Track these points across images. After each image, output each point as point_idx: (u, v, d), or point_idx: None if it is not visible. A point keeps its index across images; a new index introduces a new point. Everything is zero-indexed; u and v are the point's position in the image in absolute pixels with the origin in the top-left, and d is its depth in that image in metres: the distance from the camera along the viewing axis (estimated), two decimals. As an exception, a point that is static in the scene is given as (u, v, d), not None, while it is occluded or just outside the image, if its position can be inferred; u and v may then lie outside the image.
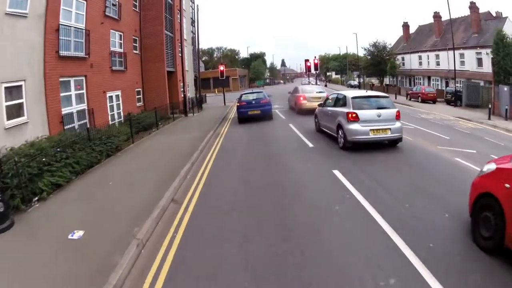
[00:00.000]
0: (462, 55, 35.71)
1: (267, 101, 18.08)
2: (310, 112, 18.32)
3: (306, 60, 35.51)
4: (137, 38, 21.91)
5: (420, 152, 9.94)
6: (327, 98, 12.92)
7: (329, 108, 11.74)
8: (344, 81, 76.30)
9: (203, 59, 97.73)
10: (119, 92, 18.88)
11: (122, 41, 19.73)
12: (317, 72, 46.76)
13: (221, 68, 29.85)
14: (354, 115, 9.63)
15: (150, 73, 22.30)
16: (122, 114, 19.05)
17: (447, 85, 37.57)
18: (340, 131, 10.27)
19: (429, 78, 41.98)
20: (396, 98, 33.08)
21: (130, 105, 20.23)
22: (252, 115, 17.59)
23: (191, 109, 25.97)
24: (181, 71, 24.55)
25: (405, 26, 50.13)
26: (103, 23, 16.91)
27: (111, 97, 18.03)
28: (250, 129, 15.74)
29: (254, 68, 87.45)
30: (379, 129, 9.48)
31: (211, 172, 8.99)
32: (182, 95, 25.36)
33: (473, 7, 35.45)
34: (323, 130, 12.58)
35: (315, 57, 33.15)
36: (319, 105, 13.50)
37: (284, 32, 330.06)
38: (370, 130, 9.44)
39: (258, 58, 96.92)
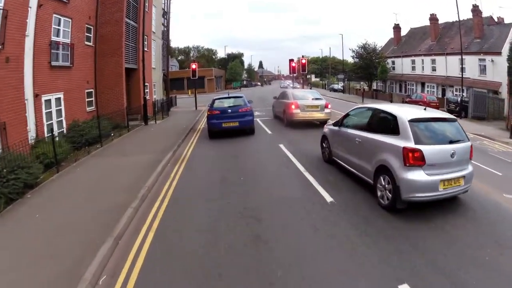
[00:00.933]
0: (462, 61, 33.29)
1: (247, 109, 14.12)
2: (303, 125, 15.08)
3: (291, 60, 31.98)
4: (91, 27, 17.76)
5: (495, 213, 6.12)
6: (347, 115, 8.47)
7: (355, 133, 7.46)
8: (326, 85, 73.75)
9: (179, 58, 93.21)
10: (60, 95, 14.78)
11: (70, 30, 15.59)
12: (294, 75, 43.52)
13: (193, 66, 25.95)
14: (417, 154, 5.61)
15: (105, 70, 18.19)
16: (64, 123, 14.96)
17: (443, 92, 35.69)
18: (383, 179, 6.16)
19: (422, 84, 40.00)
20: None
21: (78, 111, 16.16)
22: (227, 128, 13.62)
23: (156, 114, 21.95)
24: (145, 69, 20.47)
25: (396, 28, 48.32)
26: (43, 4, 12.93)
27: (48, 101, 13.96)
28: (224, 151, 11.62)
29: (231, 68, 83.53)
30: (452, 179, 5.74)
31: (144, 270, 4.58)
32: (145, 98, 21.29)
33: (476, 10, 33.25)
34: (340, 163, 8.34)
35: (302, 56, 29.63)
36: (334, 124, 8.91)
37: (262, 34, 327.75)
38: (441, 181, 5.62)
39: (235, 58, 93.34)
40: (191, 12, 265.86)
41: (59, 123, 14.71)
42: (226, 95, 15.02)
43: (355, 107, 8.54)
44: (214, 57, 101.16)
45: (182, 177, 8.72)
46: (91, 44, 17.76)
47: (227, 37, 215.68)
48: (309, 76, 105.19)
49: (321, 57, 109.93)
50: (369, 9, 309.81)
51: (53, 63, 14.18)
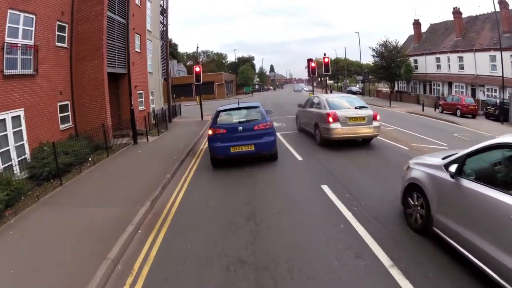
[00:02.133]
0: (493, 58, 29.45)
1: (267, 125, 9.57)
2: (345, 144, 11.12)
3: (310, 60, 27.86)
4: (65, 25, 14.12)
5: None
6: (470, 154, 4.17)
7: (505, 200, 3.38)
8: (342, 87, 69.30)
9: (188, 63, 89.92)
10: (20, 112, 11.17)
11: (33, 28, 12.05)
12: (313, 76, 39.04)
13: (197, 69, 22.07)
14: None
15: (84, 76, 14.51)
16: (27, 147, 11.34)
17: (472, 93, 31.86)
18: None
19: (449, 84, 35.94)
20: (423, 110, 26.02)
21: (47, 130, 12.63)
22: (237, 154, 9.35)
23: (153, 127, 18.20)
24: (135, 74, 16.75)
25: (416, 24, 44.14)
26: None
27: (2, 121, 10.38)
28: (233, 196, 7.32)
29: (243, 73, 79.78)
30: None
31: None
32: (132, 109, 17.58)
33: (503, 2, 29.73)
34: (453, 244, 4.18)
35: (324, 54, 25.45)
36: (447, 166, 4.44)
37: (271, 38, 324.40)
38: None
39: (246, 62, 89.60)
40: (199, 17, 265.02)
41: (19, 149, 11.08)
42: (235, 105, 10.35)
43: (488, 142, 3.97)
44: (224, 61, 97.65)
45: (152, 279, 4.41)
46: (65, 45, 14.09)
47: (236, 42, 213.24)
48: (323, 78, 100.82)
49: (334, 58, 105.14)
50: (381, 8, 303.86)
51: (7, 72, 10.61)
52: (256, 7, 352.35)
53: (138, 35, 18.21)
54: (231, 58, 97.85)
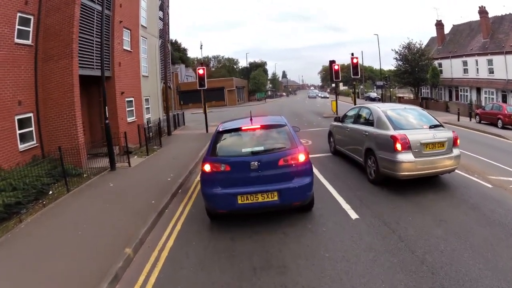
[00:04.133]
0: None
1: (300, 159, 5.73)
2: (418, 182, 7.42)
3: (332, 62, 24.34)
4: (30, 17, 10.98)
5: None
6: None
7: None
8: (359, 93, 65.35)
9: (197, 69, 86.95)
10: None
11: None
12: (337, 80, 35.09)
13: (200, 71, 18.71)
14: None
15: (52, 81, 11.27)
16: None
17: (504, 99, 28.68)
18: None
19: (478, 89, 32.59)
20: (459, 120, 22.49)
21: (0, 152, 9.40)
22: (249, 207, 5.57)
23: (150, 141, 14.93)
24: (126, 77, 13.46)
25: (439, 25, 40.71)
26: None
27: None
28: None
29: (254, 78, 76.43)
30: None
31: None
32: (107, 124, 14.29)
33: None
34: None
35: (352, 54, 21.88)
36: None
37: (283, 44, 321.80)
38: None
39: (258, 67, 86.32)
40: (210, 22, 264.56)
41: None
42: (247, 121, 6.51)
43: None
44: (235, 67, 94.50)
45: None
46: (28, 42, 10.91)
47: (247, 49, 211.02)
48: (335, 85, 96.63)
49: (347, 64, 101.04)
50: (397, 12, 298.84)
51: None
52: (268, 12, 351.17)
53: (128, 30, 14.91)
54: (242, 63, 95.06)
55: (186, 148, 14.49)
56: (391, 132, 7.33)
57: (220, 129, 6.33)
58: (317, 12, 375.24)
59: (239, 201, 5.49)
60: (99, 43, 12.39)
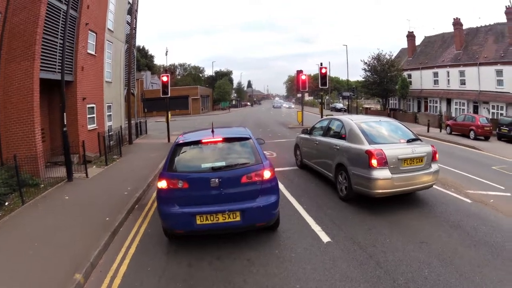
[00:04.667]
0: (499, 73, 27.60)
1: (265, 176, 5.31)
2: (393, 199, 7.20)
3: (299, 72, 24.62)
4: (-8, 15, 10.21)
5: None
6: None
7: None
8: (324, 104, 66.98)
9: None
10: None
11: None
12: (303, 91, 35.74)
13: (164, 78, 18.24)
14: None
15: (13, 84, 10.47)
16: None
17: (475, 110, 29.70)
18: None
19: (448, 101, 33.67)
20: (428, 131, 23.30)
21: None
22: (208, 227, 5.13)
23: (113, 149, 14.38)
24: (89, 82, 12.82)
25: (410, 36, 41.61)
26: None
27: None
28: None
29: (220, 87, 76.11)
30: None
31: None
32: (64, 131, 13.64)
33: (510, 12, 28.09)
34: None
35: (320, 64, 22.19)
36: None
37: (249, 53, 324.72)
38: None
39: (224, 76, 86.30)
40: (178, 30, 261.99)
41: None
42: (208, 133, 6.09)
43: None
44: (201, 75, 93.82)
45: None
46: (-14, 41, 10.19)
47: (214, 57, 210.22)
48: (301, 95, 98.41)
49: (313, 74, 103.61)
50: (367, 24, 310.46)
51: None
52: (236, 22, 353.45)
53: (94, 34, 14.25)
54: (208, 72, 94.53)
55: (146, 158, 14.00)
56: (366, 146, 6.90)
57: (180, 141, 5.82)
58: (286, 23, 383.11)
59: (198, 222, 5.05)
60: (66, 47, 11.79)
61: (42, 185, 9.65)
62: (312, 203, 7.46)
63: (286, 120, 35.87)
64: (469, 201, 7.63)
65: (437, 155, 7.31)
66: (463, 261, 4.81)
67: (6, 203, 8.24)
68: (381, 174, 6.51)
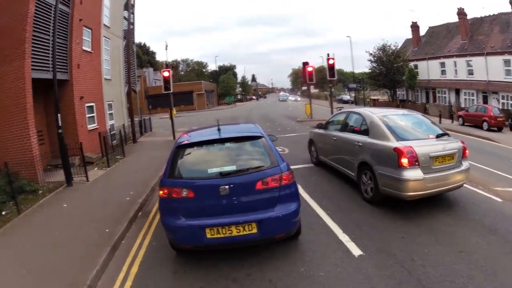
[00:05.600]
0: (507, 62, 26.65)
1: (283, 180, 4.60)
2: (420, 199, 6.23)
3: (306, 64, 23.95)
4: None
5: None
6: None
7: None
8: (330, 97, 65.98)
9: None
10: None
11: None
12: (310, 83, 34.80)
13: (165, 73, 17.67)
14: None
15: (4, 85, 9.93)
16: None
17: (484, 100, 28.86)
18: None
19: (457, 91, 33.02)
20: (440, 122, 22.40)
21: None
22: (220, 242, 4.42)
23: (115, 149, 13.86)
24: (86, 80, 12.25)
25: (414, 26, 41.01)
26: None
27: None
28: None
29: (224, 81, 75.57)
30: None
31: None
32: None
33: None
34: None
35: (327, 55, 21.43)
36: None
37: (252, 48, 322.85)
38: None
39: (228, 70, 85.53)
40: (180, 26, 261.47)
41: None
42: (214, 131, 5.26)
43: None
44: (204, 70, 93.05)
45: None
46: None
47: (217, 52, 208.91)
48: (307, 87, 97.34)
49: (317, 67, 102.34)
50: (370, 16, 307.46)
51: None
52: (238, 16, 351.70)
53: (89, 30, 13.63)
54: (212, 67, 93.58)
55: (150, 157, 13.42)
56: (393, 143, 6.17)
57: (181, 143, 5.01)
58: (289, 16, 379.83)
59: (208, 235, 4.36)
60: (60, 45, 11.21)
61: (41, 191, 9.12)
62: (334, 206, 6.69)
63: (294, 113, 35.05)
64: (499, 200, 7.00)
65: (467, 152, 6.67)
66: (507, 272, 4.19)
67: (3, 213, 7.74)
68: (413, 174, 5.82)
